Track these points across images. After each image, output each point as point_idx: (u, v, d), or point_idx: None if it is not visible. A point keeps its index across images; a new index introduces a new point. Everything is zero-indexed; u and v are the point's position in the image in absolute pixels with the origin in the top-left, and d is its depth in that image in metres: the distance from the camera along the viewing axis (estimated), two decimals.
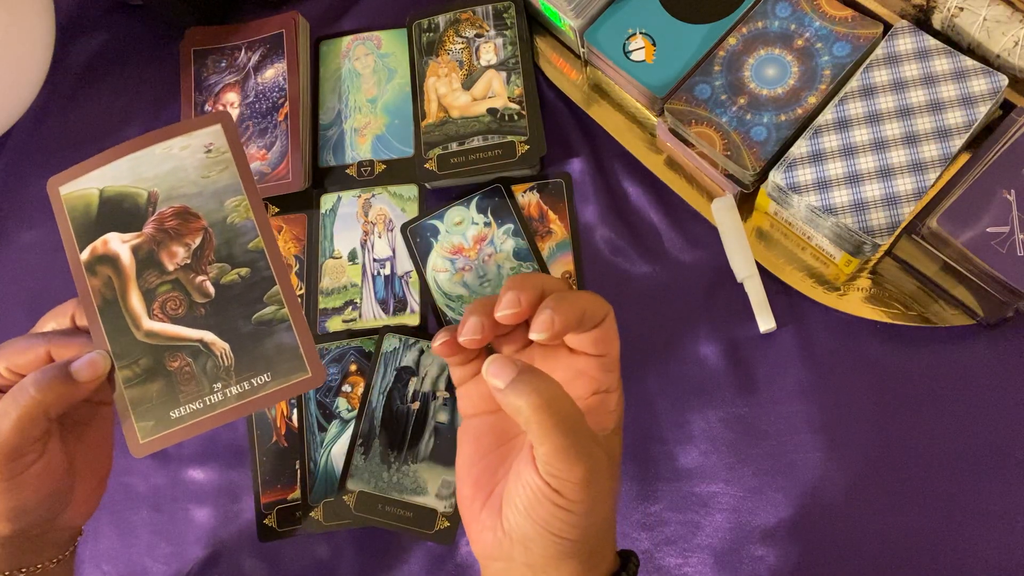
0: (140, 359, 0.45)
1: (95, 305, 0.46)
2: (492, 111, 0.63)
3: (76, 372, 0.43)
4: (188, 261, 0.46)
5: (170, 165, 0.47)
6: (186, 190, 0.47)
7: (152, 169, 0.47)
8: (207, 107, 0.68)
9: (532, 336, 0.37)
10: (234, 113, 0.67)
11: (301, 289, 0.63)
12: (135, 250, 0.46)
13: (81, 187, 0.47)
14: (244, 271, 0.46)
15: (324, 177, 0.66)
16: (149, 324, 0.45)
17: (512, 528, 0.37)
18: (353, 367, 0.60)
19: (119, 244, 0.46)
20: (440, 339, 0.40)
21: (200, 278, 0.46)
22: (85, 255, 0.46)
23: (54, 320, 0.47)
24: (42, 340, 0.45)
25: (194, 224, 0.46)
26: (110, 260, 0.46)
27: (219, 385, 0.45)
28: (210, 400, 0.45)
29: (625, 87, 0.62)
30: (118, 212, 0.47)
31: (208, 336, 0.45)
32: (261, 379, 0.45)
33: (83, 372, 0.43)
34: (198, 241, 0.46)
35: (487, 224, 0.62)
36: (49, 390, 0.42)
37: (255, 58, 0.68)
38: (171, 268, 0.46)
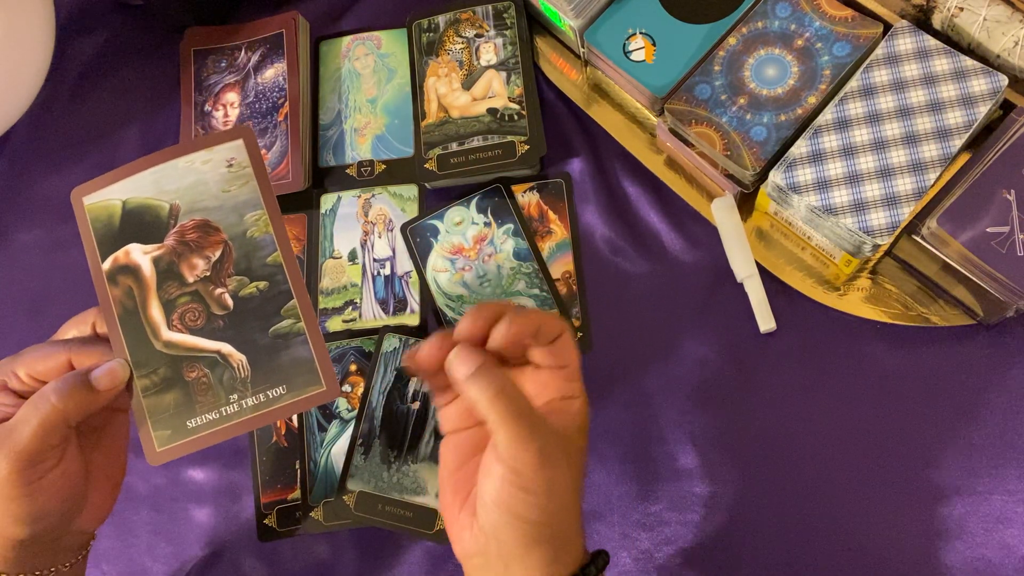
0: (158, 369, 0.46)
1: (115, 314, 0.46)
2: (492, 111, 0.63)
3: (96, 381, 0.44)
4: (208, 273, 0.47)
5: (192, 179, 0.48)
6: (207, 203, 0.47)
7: (174, 182, 0.48)
8: (207, 107, 0.68)
9: (490, 344, 0.41)
10: (234, 113, 0.67)
11: None
12: (156, 261, 0.47)
13: (104, 198, 0.48)
14: (262, 284, 0.47)
15: (324, 177, 0.66)
16: (168, 335, 0.46)
17: (484, 521, 0.40)
18: (353, 367, 0.61)
19: (140, 255, 0.47)
20: (407, 361, 0.43)
21: (219, 290, 0.47)
22: (107, 265, 0.47)
23: (75, 327, 0.48)
24: (63, 348, 0.45)
25: (214, 237, 0.47)
26: (131, 271, 0.47)
27: (235, 396, 0.46)
28: (226, 411, 0.45)
29: (625, 87, 0.62)
30: (140, 224, 0.47)
31: (226, 348, 0.46)
32: (277, 391, 0.46)
33: (103, 381, 0.44)
34: (218, 254, 0.47)
35: (487, 224, 0.62)
36: (69, 398, 0.43)
37: (255, 58, 0.68)
38: (191, 280, 0.47)
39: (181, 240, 0.47)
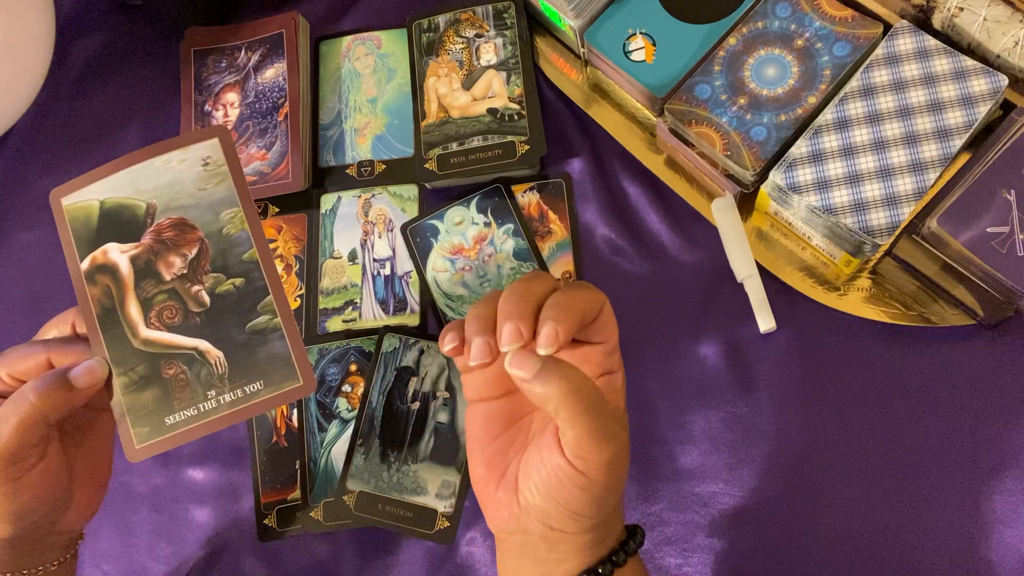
0: (137, 366, 0.46)
1: (94, 313, 0.47)
2: (492, 111, 0.63)
3: (74, 379, 0.44)
4: (184, 271, 0.47)
5: (168, 177, 0.48)
6: (183, 202, 0.48)
7: (151, 181, 0.48)
8: (207, 107, 0.68)
9: (540, 352, 0.38)
10: (234, 113, 0.67)
11: (301, 289, 0.63)
12: (133, 260, 0.47)
13: (82, 198, 0.48)
14: (239, 281, 0.47)
15: (324, 177, 0.66)
16: (146, 332, 0.47)
17: (531, 506, 0.39)
18: (353, 367, 0.60)
19: (118, 254, 0.47)
20: (450, 344, 0.40)
21: (196, 288, 0.47)
22: (85, 264, 0.47)
23: (56, 327, 0.48)
24: (42, 347, 0.46)
25: (191, 235, 0.47)
26: (109, 270, 0.47)
27: (213, 392, 0.46)
28: (204, 407, 0.46)
29: (625, 87, 0.62)
30: (118, 223, 0.48)
31: (203, 344, 0.46)
32: (254, 387, 0.46)
33: (81, 379, 0.44)
34: (194, 252, 0.47)
35: (487, 224, 0.62)
36: (48, 397, 0.43)
37: (255, 58, 0.68)
38: (168, 278, 0.47)
39: (158, 238, 0.47)
